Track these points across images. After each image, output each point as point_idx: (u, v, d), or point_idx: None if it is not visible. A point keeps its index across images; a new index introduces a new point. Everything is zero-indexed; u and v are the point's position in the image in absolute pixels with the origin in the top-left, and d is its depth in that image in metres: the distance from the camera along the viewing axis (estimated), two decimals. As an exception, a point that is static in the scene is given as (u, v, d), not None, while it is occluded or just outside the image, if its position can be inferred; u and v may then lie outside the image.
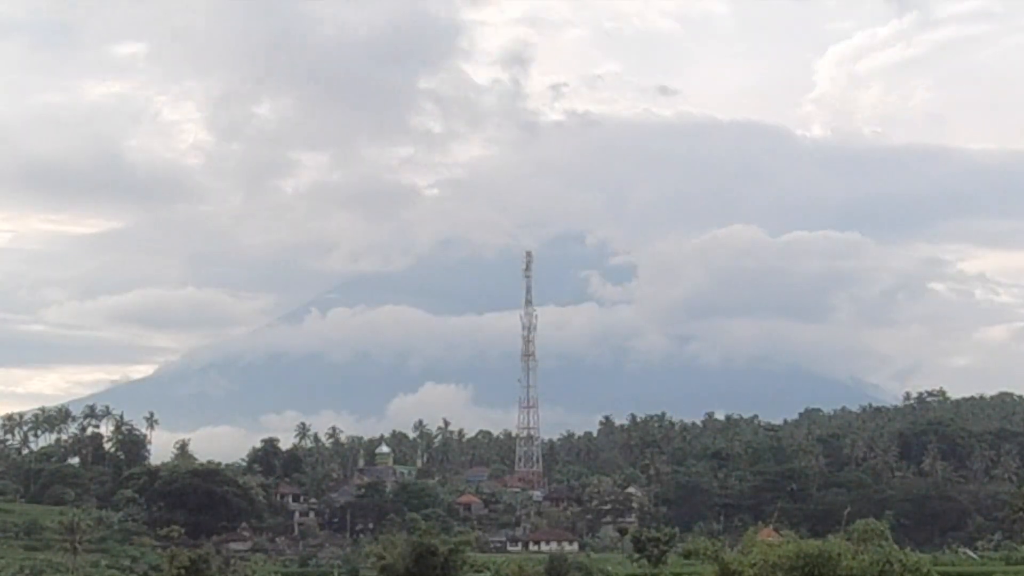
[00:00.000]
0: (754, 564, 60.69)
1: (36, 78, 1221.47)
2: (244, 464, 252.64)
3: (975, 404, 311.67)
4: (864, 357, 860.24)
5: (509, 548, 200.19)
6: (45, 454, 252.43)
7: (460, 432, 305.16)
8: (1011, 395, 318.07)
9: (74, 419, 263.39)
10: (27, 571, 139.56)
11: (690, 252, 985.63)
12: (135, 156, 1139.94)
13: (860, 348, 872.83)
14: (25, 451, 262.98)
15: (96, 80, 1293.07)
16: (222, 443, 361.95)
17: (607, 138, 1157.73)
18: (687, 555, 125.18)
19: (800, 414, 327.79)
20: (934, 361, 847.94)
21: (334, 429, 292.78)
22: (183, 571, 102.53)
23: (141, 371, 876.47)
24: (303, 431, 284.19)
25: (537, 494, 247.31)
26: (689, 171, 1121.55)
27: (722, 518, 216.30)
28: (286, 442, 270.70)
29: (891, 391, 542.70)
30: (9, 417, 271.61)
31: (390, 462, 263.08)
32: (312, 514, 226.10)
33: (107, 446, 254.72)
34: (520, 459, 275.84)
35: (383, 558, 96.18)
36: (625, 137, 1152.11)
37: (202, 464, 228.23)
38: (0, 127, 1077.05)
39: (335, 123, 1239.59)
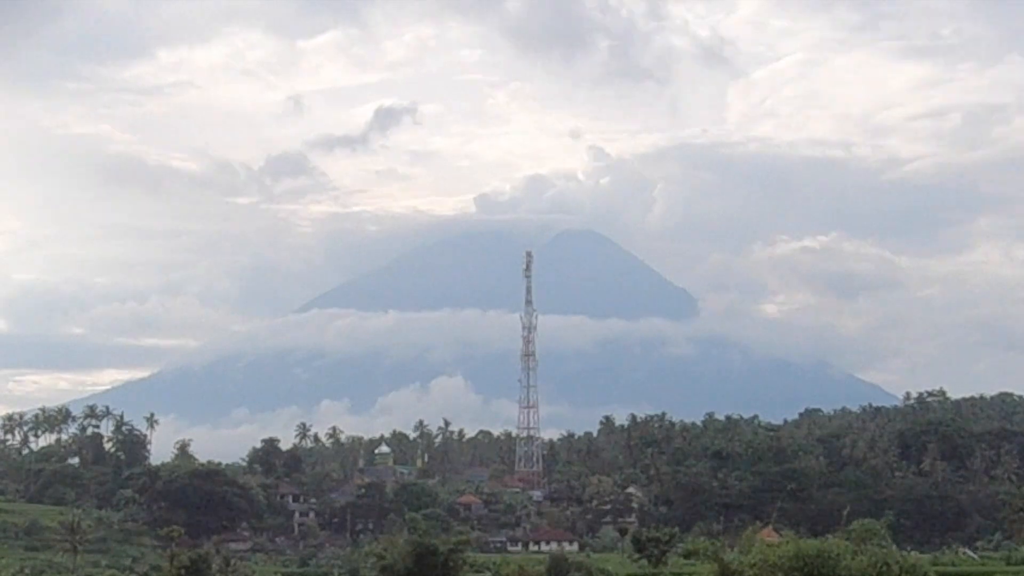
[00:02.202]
0: (754, 564, 60.89)
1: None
2: (244, 464, 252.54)
3: (975, 404, 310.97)
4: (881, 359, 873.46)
5: (509, 548, 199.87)
6: (45, 454, 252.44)
7: (460, 432, 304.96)
8: (1011, 395, 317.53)
9: (74, 419, 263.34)
10: (28, 571, 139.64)
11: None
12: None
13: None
14: (25, 451, 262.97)
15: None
16: (222, 443, 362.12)
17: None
18: (687, 555, 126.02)
19: (800, 414, 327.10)
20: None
21: (334, 429, 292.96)
22: (183, 571, 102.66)
23: (142, 372, 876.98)
24: (303, 431, 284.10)
25: (537, 494, 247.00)
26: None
27: (722, 518, 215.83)
28: (286, 442, 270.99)
29: (891, 391, 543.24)
30: (9, 417, 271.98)
31: (390, 462, 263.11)
32: (312, 514, 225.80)
33: (107, 446, 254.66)
34: (520, 459, 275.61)
35: (383, 558, 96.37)
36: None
37: (202, 464, 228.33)
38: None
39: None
